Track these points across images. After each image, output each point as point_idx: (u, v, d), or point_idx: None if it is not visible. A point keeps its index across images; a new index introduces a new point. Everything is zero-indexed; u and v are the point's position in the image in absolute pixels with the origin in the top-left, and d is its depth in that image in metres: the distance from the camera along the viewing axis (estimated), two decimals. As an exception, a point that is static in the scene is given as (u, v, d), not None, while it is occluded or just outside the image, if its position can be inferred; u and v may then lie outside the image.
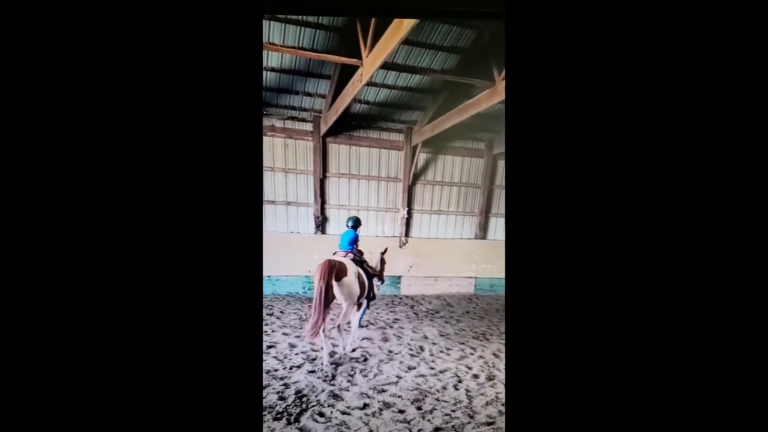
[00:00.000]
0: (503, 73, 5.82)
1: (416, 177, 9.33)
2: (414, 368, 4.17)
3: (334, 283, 4.24)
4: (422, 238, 9.60)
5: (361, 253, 5.07)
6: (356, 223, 5.22)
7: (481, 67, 6.26)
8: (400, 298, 8.76)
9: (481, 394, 3.55)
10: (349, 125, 8.42)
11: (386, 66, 6.72)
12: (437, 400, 3.40)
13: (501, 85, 5.85)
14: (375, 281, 5.12)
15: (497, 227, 10.18)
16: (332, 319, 4.87)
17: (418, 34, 6.34)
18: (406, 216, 9.26)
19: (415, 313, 7.13)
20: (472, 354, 4.76)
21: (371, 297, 5.00)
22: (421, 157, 9.22)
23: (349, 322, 4.99)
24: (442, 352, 4.81)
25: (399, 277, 9.30)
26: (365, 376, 3.91)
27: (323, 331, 4.14)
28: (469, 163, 9.71)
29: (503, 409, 3.26)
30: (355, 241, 5.09)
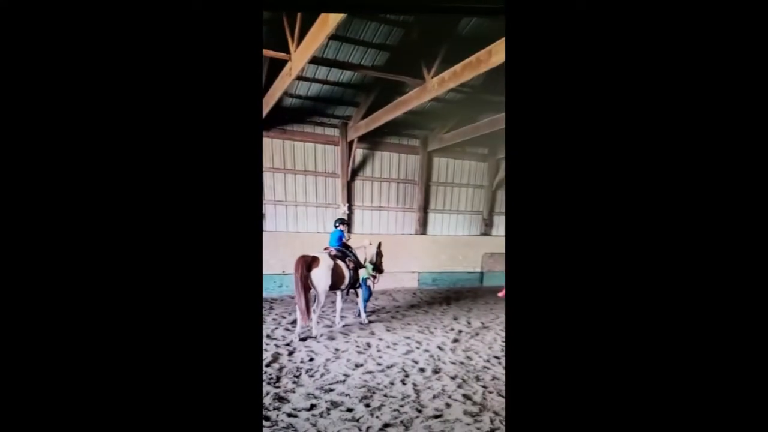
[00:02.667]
0: (432, 72, 5.95)
1: (355, 173, 9.30)
2: (361, 365, 4.18)
3: (307, 274, 5.10)
4: (365, 234, 9.59)
5: (347, 247, 5.84)
6: (341, 222, 6.12)
7: (410, 65, 6.34)
8: (347, 295, 8.70)
9: (428, 388, 3.64)
10: (282, 119, 8.16)
11: (316, 61, 6.58)
12: (385, 396, 3.43)
13: (430, 83, 5.98)
14: (365, 272, 5.98)
15: (435, 223, 10.47)
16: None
17: (347, 30, 6.27)
18: (347, 212, 9.20)
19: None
20: (417, 348, 4.86)
21: (357, 286, 5.86)
22: (358, 153, 9.20)
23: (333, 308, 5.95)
24: (388, 347, 4.86)
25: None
26: (311, 376, 3.84)
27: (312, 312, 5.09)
28: (405, 160, 9.86)
29: (449, 401, 3.37)
30: (340, 238, 5.89)
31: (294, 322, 5.68)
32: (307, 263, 5.13)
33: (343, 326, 5.79)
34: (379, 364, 4.22)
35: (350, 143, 8.83)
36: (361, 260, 5.95)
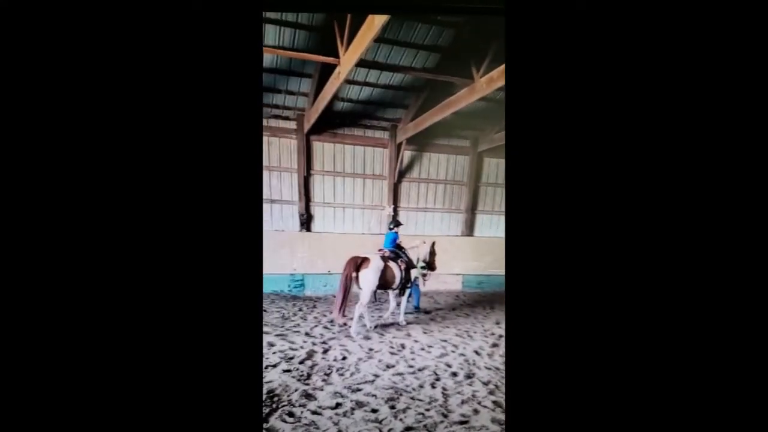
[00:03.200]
0: (481, 71, 5.84)
1: (402, 174, 9.34)
2: (392, 366, 4.21)
3: (354, 274, 5.37)
4: (409, 235, 9.60)
5: (401, 248, 6.06)
6: (396, 224, 6.42)
7: (460, 66, 6.26)
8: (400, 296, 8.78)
9: (458, 393, 3.58)
10: (332, 123, 8.39)
11: (366, 64, 6.71)
12: (412, 398, 3.43)
13: (479, 83, 5.86)
14: (415, 272, 6.16)
15: (483, 224, 10.24)
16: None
17: (398, 33, 6.33)
18: (392, 213, 9.27)
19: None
20: (453, 351, 4.80)
21: (408, 286, 5.99)
22: (406, 155, 9.23)
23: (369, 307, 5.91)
24: (423, 349, 4.84)
25: (384, 274, 9.31)
26: (341, 375, 3.93)
27: (344, 312, 5.33)
28: (454, 161, 9.73)
29: (478, 407, 3.30)
30: (394, 240, 6.15)
31: (331, 321, 5.91)
32: (357, 264, 5.38)
33: (378, 327, 5.89)
34: (411, 366, 4.22)
35: (399, 145, 8.89)
36: (414, 260, 6.11)
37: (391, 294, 6.06)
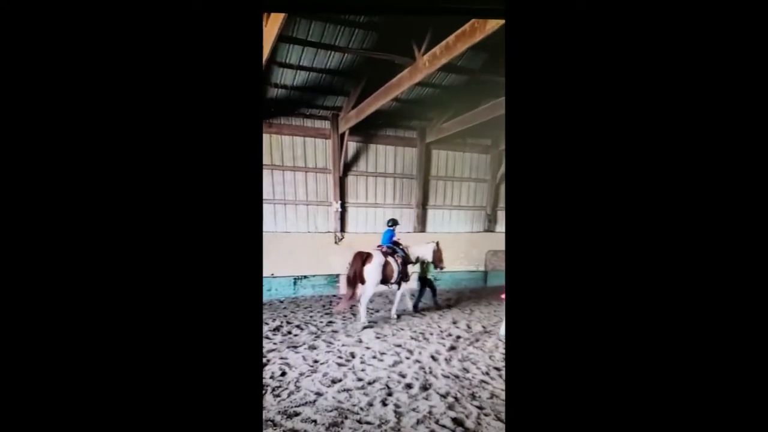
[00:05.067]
0: (423, 49, 5.38)
1: (347, 168, 8.74)
2: (339, 381, 3.61)
3: (361, 268, 5.75)
4: (359, 233, 9.05)
5: (397, 244, 6.37)
6: (394, 223, 6.73)
7: (400, 45, 5.78)
8: (340, 298, 8.16)
9: (413, 410, 3.06)
10: (267, 112, 7.62)
11: (297, 42, 6.06)
12: (359, 422, 2.86)
13: (421, 62, 5.40)
14: (413, 268, 6.55)
15: (435, 219, 9.85)
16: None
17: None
18: (340, 210, 8.66)
19: (353, 314, 6.57)
20: (408, 358, 4.28)
21: (405, 280, 6.32)
22: (351, 146, 8.65)
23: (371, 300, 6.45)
24: (374, 357, 4.29)
25: (337, 276, 8.67)
26: (277, 396, 3.28)
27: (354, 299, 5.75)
28: (402, 153, 9.25)
29: (436, 428, 2.79)
30: (391, 236, 6.47)
31: (276, 329, 5.51)
32: (362, 259, 5.78)
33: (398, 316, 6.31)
34: (360, 380, 3.64)
35: (342, 135, 8.27)
36: (413, 258, 6.44)
37: (398, 289, 6.36)
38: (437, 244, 6.71)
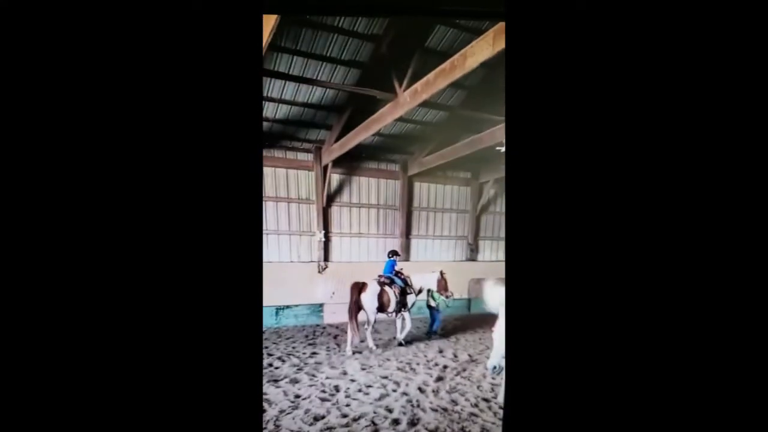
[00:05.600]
0: (404, 85, 5.60)
1: (331, 199, 8.79)
2: (322, 418, 3.49)
3: (358, 297, 6.10)
4: (343, 262, 9.01)
5: (398, 275, 6.60)
6: (394, 254, 6.95)
7: (381, 81, 6.00)
8: (323, 328, 8.01)
9: (400, 445, 2.98)
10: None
11: (280, 75, 6.22)
12: (345, 460, 2.76)
13: (402, 97, 5.60)
14: (430, 295, 6.87)
15: (419, 249, 9.93)
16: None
17: (312, 46, 5.94)
18: (323, 239, 8.63)
19: (338, 344, 6.44)
20: (395, 391, 4.19)
21: (405, 309, 6.45)
22: (334, 178, 8.74)
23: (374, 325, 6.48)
24: (360, 391, 4.18)
25: (321, 305, 8.55)
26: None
27: (357, 330, 5.93)
28: (385, 185, 9.42)
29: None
30: (392, 266, 6.71)
31: None
32: (359, 288, 6.14)
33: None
34: (345, 416, 3.54)
35: (325, 168, 8.38)
36: (417, 287, 6.61)
37: (399, 316, 6.50)
38: (441, 272, 6.73)
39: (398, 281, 6.44)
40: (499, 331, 3.44)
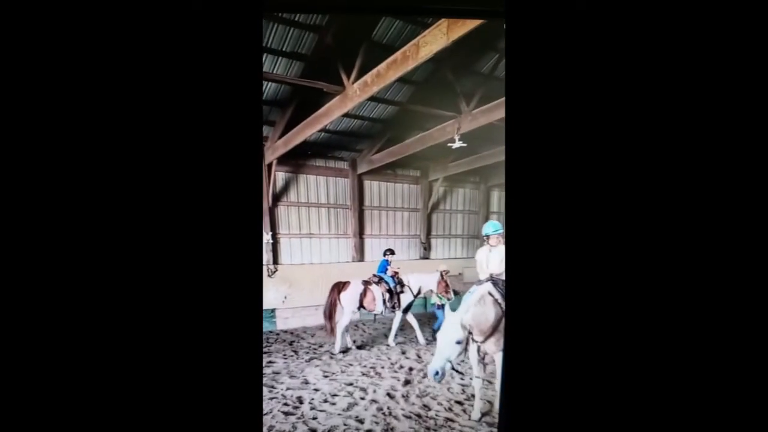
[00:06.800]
0: (353, 77, 5.37)
1: (277, 198, 8.35)
2: (288, 438, 3.21)
3: (337, 296, 6.04)
4: (295, 264, 8.61)
5: (394, 275, 6.41)
6: (390, 252, 6.80)
7: (327, 74, 5.73)
8: (277, 335, 7.57)
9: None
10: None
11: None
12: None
13: (351, 89, 5.38)
14: (436, 294, 6.58)
15: (373, 248, 9.72)
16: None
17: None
18: (271, 241, 8.18)
19: (295, 351, 6.10)
20: (363, 398, 3.98)
21: (400, 309, 6.27)
22: (279, 177, 8.31)
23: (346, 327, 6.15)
24: (326, 401, 3.93)
25: (273, 311, 8.10)
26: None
27: (335, 330, 5.85)
28: (335, 183, 9.10)
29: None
30: (385, 266, 6.52)
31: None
32: (339, 288, 6.11)
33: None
34: (313, 430, 3.27)
35: (269, 165, 7.91)
36: (416, 288, 6.42)
37: (397, 315, 6.40)
38: (441, 273, 6.54)
39: (388, 280, 6.31)
40: (443, 333, 3.22)
